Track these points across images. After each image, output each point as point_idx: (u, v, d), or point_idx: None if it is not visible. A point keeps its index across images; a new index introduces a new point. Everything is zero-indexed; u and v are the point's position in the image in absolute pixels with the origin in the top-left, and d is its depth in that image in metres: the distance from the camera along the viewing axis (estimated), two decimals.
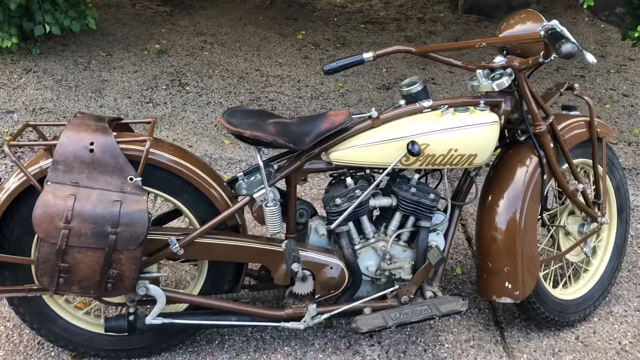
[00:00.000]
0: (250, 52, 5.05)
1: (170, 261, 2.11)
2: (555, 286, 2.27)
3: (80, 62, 4.43)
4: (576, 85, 2.12)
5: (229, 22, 5.78)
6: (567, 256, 2.26)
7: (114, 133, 1.73)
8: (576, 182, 2.13)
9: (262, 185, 1.87)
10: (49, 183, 1.65)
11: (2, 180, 1.83)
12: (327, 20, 6.20)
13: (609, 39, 5.75)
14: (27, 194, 1.74)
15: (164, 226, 2.07)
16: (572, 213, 2.27)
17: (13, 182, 1.74)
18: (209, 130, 3.68)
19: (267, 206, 1.86)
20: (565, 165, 2.12)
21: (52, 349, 2.04)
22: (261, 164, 1.84)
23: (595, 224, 2.22)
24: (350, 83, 4.55)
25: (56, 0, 4.14)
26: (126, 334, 1.92)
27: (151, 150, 1.76)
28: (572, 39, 1.60)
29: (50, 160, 1.68)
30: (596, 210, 2.22)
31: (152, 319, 1.86)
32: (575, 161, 2.16)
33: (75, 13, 4.27)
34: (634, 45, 3.86)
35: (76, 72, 4.25)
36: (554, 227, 2.25)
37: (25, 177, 1.71)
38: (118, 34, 5.09)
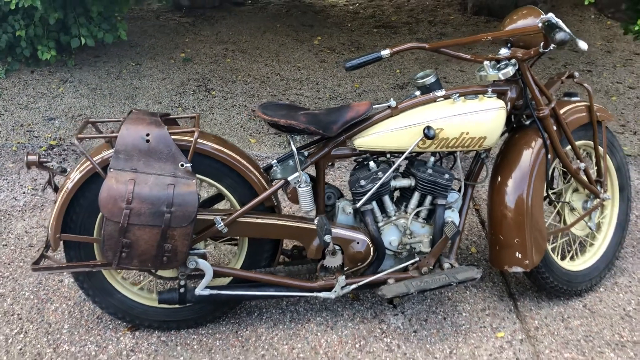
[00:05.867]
0: (270, 58, 5.31)
1: (214, 242, 2.34)
2: (563, 259, 2.48)
3: (112, 71, 4.72)
4: (576, 73, 2.32)
5: (248, 31, 6.06)
6: (574, 231, 2.47)
7: (165, 126, 1.98)
8: (578, 161, 2.33)
9: (296, 170, 2.10)
10: (111, 170, 1.90)
11: (69, 171, 2.08)
12: (341, 26, 6.45)
13: (615, 35, 5.93)
14: (90, 182, 1.99)
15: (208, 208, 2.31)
16: (576, 190, 2.47)
17: (79, 172, 1.99)
18: (236, 131, 3.93)
19: (300, 187, 2.09)
20: (569, 147, 2.33)
21: (109, 322, 2.28)
22: (294, 149, 2.07)
23: (597, 200, 2.42)
24: (366, 84, 4.78)
25: (90, 14, 4.43)
26: (177, 305, 2.16)
27: (198, 140, 2.01)
28: (566, 29, 1.82)
29: (112, 150, 1.93)
30: (598, 187, 2.43)
31: (200, 290, 2.10)
32: (577, 143, 2.36)
33: (107, 26, 4.57)
34: (635, 38, 4.04)
35: (109, 81, 4.54)
36: (560, 204, 2.45)
37: (90, 167, 1.96)
38: (145, 45, 5.38)
